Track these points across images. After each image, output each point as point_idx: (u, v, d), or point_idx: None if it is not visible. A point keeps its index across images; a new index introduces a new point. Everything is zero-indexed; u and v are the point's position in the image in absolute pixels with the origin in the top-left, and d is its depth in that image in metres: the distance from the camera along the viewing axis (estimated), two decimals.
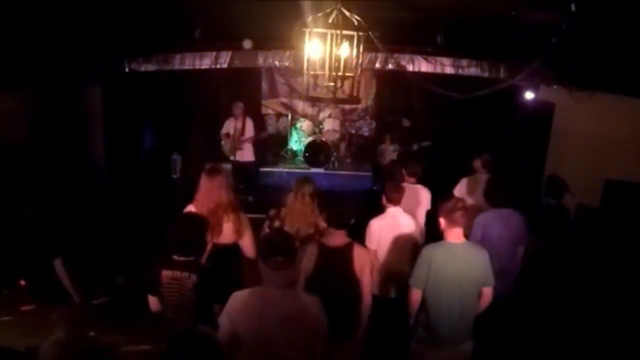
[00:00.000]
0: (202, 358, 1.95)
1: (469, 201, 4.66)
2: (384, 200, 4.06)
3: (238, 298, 2.54)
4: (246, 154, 7.95)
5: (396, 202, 4.00)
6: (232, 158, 7.94)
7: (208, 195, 3.66)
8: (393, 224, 3.98)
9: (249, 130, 7.85)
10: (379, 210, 4.08)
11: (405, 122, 8.19)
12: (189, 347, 1.94)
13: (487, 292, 3.27)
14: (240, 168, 8.00)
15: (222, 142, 8.02)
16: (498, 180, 4.47)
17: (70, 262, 3.87)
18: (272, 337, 2.46)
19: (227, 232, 3.61)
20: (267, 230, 3.96)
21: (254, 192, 8.10)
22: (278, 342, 2.47)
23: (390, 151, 8.07)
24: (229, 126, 7.84)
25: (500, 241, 3.92)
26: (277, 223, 3.94)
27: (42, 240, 3.80)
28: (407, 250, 3.93)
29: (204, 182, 3.71)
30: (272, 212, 4.01)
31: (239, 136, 7.76)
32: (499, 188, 4.24)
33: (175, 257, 2.92)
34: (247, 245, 3.72)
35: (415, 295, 3.26)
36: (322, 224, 3.80)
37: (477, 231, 3.98)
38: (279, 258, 2.43)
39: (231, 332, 2.48)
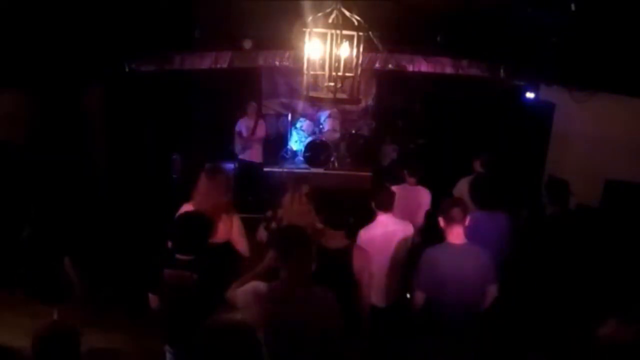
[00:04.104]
0: (239, 346, 1.94)
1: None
2: (372, 206, 3.88)
3: (260, 290, 2.54)
4: (254, 154, 7.99)
5: (386, 207, 3.82)
6: (240, 156, 7.96)
7: (207, 194, 3.65)
8: (383, 233, 3.80)
9: (260, 130, 7.88)
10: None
11: (400, 122, 8.23)
12: (227, 339, 1.92)
13: (491, 290, 3.27)
14: (247, 167, 8.05)
15: (236, 140, 8.06)
16: (484, 181, 4.40)
17: (75, 262, 3.89)
18: (291, 331, 2.50)
19: (220, 232, 3.61)
20: (263, 231, 3.95)
21: (257, 193, 8.11)
22: (296, 337, 2.51)
23: (390, 151, 8.07)
24: (242, 125, 7.86)
25: (483, 242, 3.87)
26: (274, 224, 3.92)
27: (48, 241, 3.80)
28: (400, 258, 3.84)
29: (204, 181, 3.70)
30: (269, 213, 3.99)
31: (250, 135, 7.78)
32: (484, 189, 4.14)
33: (178, 256, 2.92)
34: (241, 244, 3.73)
35: (419, 296, 3.25)
36: (319, 225, 3.78)
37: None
38: (296, 250, 2.47)
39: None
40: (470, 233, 3.76)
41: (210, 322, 2.01)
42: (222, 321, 2.08)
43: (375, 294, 3.81)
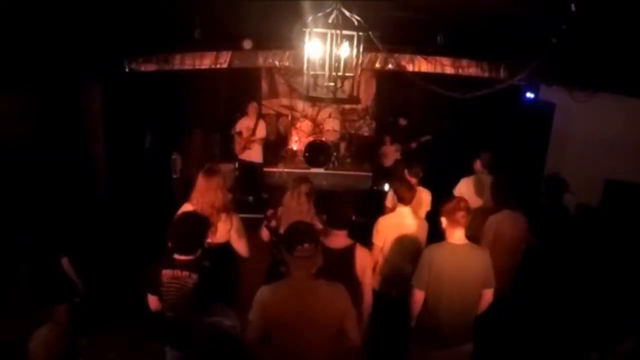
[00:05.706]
0: (226, 352, 1.94)
1: (477, 202, 4.71)
2: (393, 200, 4.05)
3: (269, 291, 2.60)
4: (254, 154, 7.98)
5: (407, 201, 3.99)
6: (240, 156, 7.98)
7: (204, 195, 3.70)
8: (399, 223, 3.97)
9: (260, 131, 7.88)
10: (379, 209, 4.08)
11: (402, 121, 8.20)
12: (213, 342, 1.93)
13: (487, 294, 3.26)
14: (246, 168, 8.05)
15: (236, 140, 8.05)
16: (505, 180, 4.51)
17: (74, 262, 3.89)
18: (305, 327, 2.53)
19: (220, 232, 3.67)
20: (265, 229, 3.95)
21: (257, 193, 8.11)
22: (310, 331, 2.54)
23: (392, 151, 8.06)
24: (242, 125, 7.87)
25: (510, 241, 4.01)
26: (274, 223, 3.92)
27: (47, 240, 3.81)
28: (411, 251, 3.90)
29: (201, 182, 3.76)
30: (270, 211, 4.00)
31: (250, 135, 7.79)
32: (507, 188, 4.32)
33: (176, 256, 2.92)
34: (240, 245, 3.76)
35: (418, 295, 3.25)
36: (318, 225, 3.78)
37: (490, 232, 4.02)
38: (305, 245, 2.50)
39: (263, 326, 2.55)
40: (497, 232, 3.98)
41: (196, 326, 2.01)
42: (207, 326, 2.08)
43: (384, 282, 4.00)
